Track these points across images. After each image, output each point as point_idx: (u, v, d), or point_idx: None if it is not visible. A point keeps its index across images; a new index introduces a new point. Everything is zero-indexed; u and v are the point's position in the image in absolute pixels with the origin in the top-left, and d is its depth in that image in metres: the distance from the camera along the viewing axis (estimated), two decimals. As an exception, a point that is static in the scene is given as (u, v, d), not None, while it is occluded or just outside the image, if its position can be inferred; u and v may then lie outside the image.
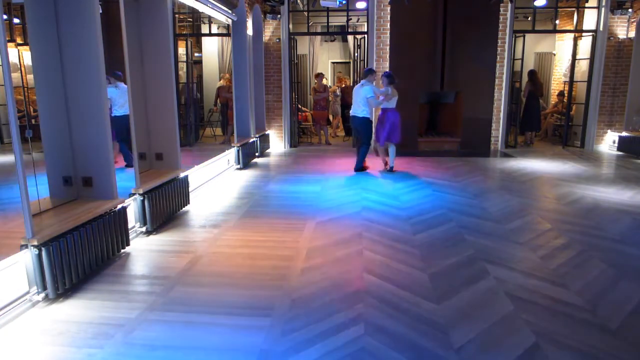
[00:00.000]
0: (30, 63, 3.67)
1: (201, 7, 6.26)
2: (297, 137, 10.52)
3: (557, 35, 12.04)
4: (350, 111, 7.46)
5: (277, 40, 9.70)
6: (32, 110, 4.27)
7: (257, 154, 8.84)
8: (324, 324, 2.77)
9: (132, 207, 4.30)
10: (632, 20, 9.34)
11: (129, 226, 4.06)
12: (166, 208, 4.66)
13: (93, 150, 3.74)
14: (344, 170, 7.50)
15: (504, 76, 9.44)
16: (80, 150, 3.76)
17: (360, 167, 7.42)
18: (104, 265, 3.61)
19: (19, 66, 4.40)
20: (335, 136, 11.89)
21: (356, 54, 10.01)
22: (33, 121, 4.05)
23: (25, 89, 4.32)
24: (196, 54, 10.65)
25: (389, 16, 9.23)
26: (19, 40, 4.39)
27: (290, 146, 10.12)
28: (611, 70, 9.58)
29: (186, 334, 2.68)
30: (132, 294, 3.22)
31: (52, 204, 3.63)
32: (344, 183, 6.64)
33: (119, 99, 4.77)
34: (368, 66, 9.55)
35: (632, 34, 9.36)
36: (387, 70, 8.90)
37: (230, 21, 7.48)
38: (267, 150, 9.64)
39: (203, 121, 10.17)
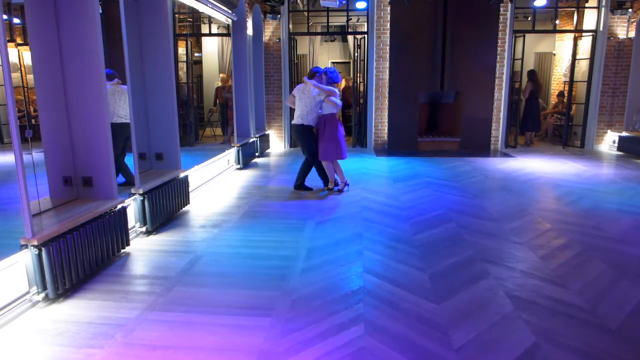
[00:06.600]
0: (30, 63, 3.67)
1: (201, 7, 6.26)
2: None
3: (557, 35, 12.03)
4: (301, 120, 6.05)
5: (277, 40, 9.70)
6: (32, 110, 4.27)
7: (257, 154, 8.83)
8: (324, 324, 2.77)
9: (132, 207, 4.30)
10: (632, 20, 9.34)
11: (129, 226, 4.06)
12: (166, 208, 4.66)
13: (93, 150, 3.74)
14: (344, 170, 7.47)
15: (504, 76, 9.44)
16: (80, 150, 3.76)
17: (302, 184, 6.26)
18: (104, 265, 3.61)
19: (19, 66, 4.41)
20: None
21: (356, 54, 10.00)
22: (33, 121, 4.05)
23: (25, 89, 4.33)
24: (196, 54, 10.65)
25: (389, 16, 9.23)
26: (19, 40, 4.39)
27: (290, 146, 10.11)
28: (611, 70, 9.58)
29: (186, 334, 2.67)
30: (132, 294, 3.22)
31: (52, 204, 3.63)
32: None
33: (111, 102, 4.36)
34: (368, 66, 9.56)
35: (632, 34, 9.35)
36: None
37: (230, 21, 7.48)
38: (267, 150, 9.63)
39: (203, 121, 10.17)
